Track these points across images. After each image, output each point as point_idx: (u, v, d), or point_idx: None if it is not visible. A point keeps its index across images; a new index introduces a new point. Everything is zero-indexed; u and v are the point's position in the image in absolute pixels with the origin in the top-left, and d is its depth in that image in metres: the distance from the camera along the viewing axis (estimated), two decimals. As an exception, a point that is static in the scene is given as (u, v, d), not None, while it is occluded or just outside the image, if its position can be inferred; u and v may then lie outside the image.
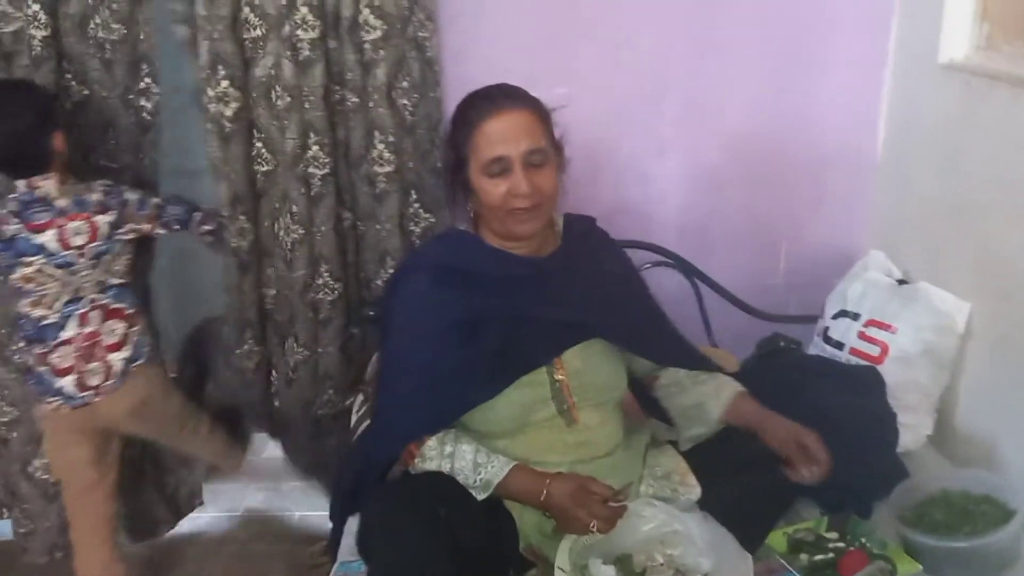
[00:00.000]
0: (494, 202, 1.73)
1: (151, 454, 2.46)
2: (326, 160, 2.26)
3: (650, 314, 1.94)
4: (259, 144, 2.24)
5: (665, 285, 2.49)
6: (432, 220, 2.33)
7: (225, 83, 2.15)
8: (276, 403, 2.43)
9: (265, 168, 2.26)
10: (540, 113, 1.76)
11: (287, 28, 2.15)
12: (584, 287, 1.84)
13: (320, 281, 2.34)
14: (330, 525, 1.90)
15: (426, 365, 1.74)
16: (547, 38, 2.38)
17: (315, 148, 2.24)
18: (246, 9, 2.14)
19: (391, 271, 2.33)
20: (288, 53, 2.16)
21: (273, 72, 2.18)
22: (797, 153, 2.50)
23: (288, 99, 2.20)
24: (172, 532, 2.57)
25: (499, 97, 1.75)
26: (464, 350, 1.73)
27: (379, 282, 2.37)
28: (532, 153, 1.71)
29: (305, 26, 2.15)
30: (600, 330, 1.81)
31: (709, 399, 1.85)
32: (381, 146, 2.25)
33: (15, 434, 2.37)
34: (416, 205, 2.32)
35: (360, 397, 2.27)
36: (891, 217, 2.45)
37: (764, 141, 2.49)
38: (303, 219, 2.28)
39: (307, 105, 2.21)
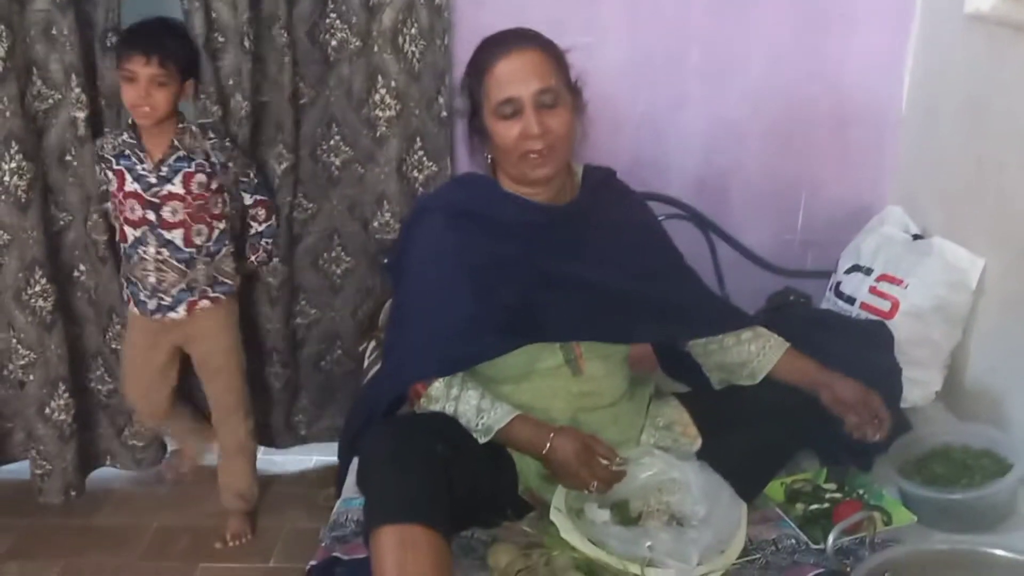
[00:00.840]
0: (507, 145, 1.72)
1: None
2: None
3: (675, 275, 1.92)
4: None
5: (680, 238, 2.43)
6: (435, 169, 2.35)
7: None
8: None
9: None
10: (551, 53, 1.74)
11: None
12: (604, 240, 1.83)
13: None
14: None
15: (439, 309, 1.75)
16: (567, -12, 2.37)
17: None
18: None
19: (387, 214, 2.37)
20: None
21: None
22: (820, 108, 2.48)
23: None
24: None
25: (509, 39, 1.74)
26: (479, 299, 1.73)
27: (376, 224, 2.41)
28: (543, 93, 1.69)
29: None
30: (625, 336, 1.81)
31: (753, 358, 1.86)
32: (383, 91, 2.27)
33: (31, 377, 2.44)
34: (420, 153, 2.34)
35: (372, 343, 2.31)
36: (912, 172, 2.41)
37: (786, 95, 2.47)
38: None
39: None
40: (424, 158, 2.35)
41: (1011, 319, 1.99)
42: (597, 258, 1.81)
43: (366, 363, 2.29)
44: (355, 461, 1.76)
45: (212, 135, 2.25)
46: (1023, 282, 1.94)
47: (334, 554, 1.66)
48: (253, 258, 2.38)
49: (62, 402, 2.44)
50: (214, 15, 2.24)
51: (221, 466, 2.46)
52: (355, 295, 2.54)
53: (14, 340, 2.41)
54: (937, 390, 2.12)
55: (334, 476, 1.95)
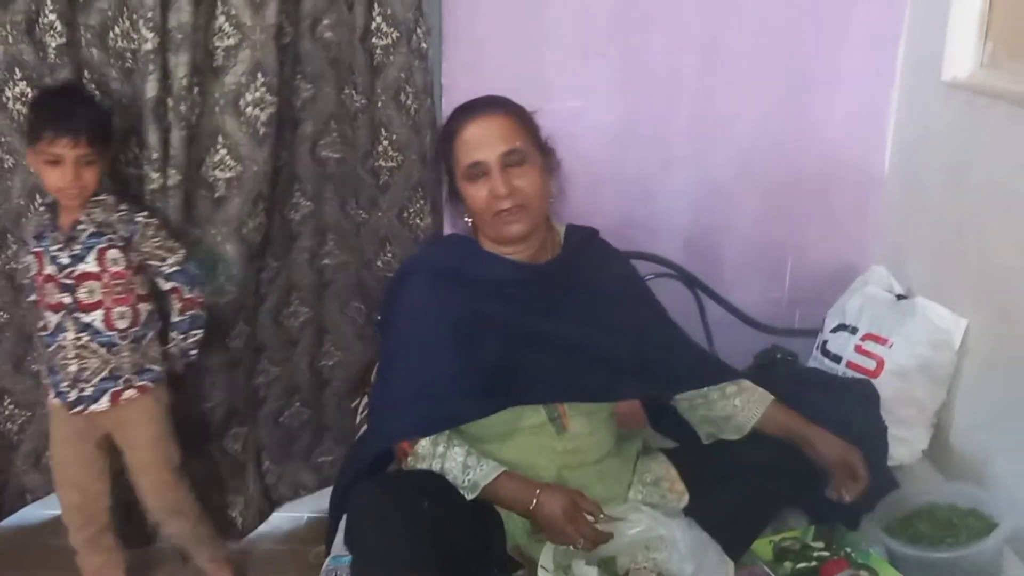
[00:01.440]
0: (479, 206, 1.78)
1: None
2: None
3: (659, 329, 1.95)
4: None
5: (668, 297, 2.47)
6: (435, 218, 2.40)
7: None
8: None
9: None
10: (517, 116, 1.80)
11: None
12: (586, 297, 1.86)
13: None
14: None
15: (421, 369, 1.78)
16: (557, 53, 2.43)
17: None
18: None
19: (389, 255, 2.41)
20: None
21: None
22: (805, 169, 2.53)
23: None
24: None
25: (476, 106, 1.81)
26: (461, 359, 1.76)
27: (379, 264, 2.44)
28: (508, 154, 1.75)
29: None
30: (608, 395, 1.84)
31: (739, 412, 1.88)
32: (386, 143, 2.33)
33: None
34: (421, 202, 2.38)
35: (365, 400, 2.33)
36: (896, 233, 2.46)
37: (772, 157, 2.52)
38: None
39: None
40: (426, 207, 2.40)
41: (993, 378, 2.01)
42: (579, 316, 1.85)
43: (357, 419, 2.31)
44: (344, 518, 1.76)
45: (123, 207, 2.09)
46: (1005, 342, 1.97)
47: (322, 612, 1.66)
48: (166, 348, 2.18)
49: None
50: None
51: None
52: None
53: None
54: (923, 448, 2.13)
55: (324, 533, 1.96)
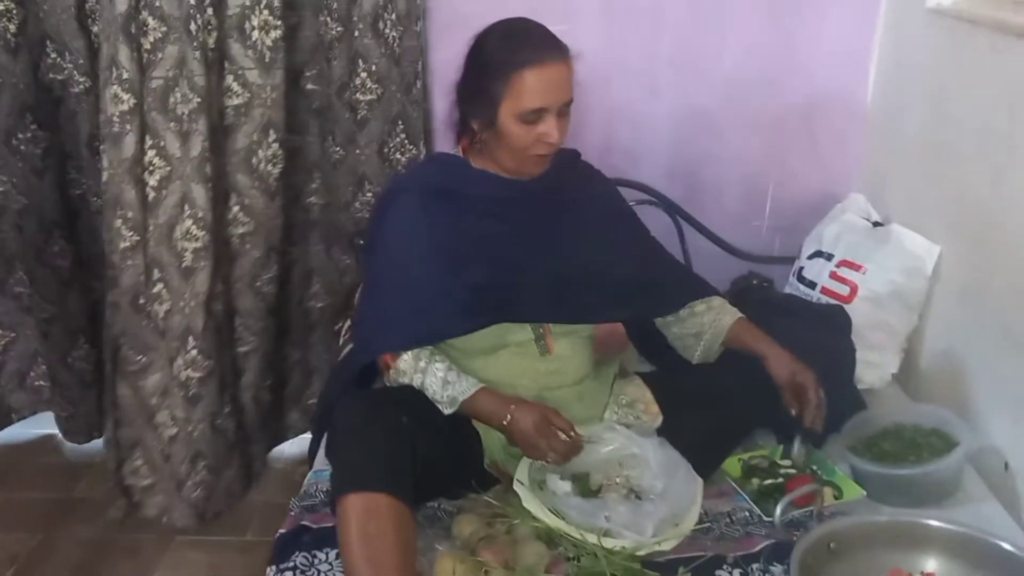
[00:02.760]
0: (521, 144, 1.75)
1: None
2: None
3: (641, 247, 1.98)
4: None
5: (650, 224, 2.48)
6: (415, 152, 2.39)
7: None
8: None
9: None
10: (571, 64, 1.77)
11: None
12: (572, 215, 1.88)
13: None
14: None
15: (409, 285, 1.80)
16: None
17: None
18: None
19: (368, 195, 2.41)
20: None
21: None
22: (789, 97, 2.53)
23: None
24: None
25: (542, 46, 1.73)
26: (449, 277, 1.78)
27: (356, 204, 2.44)
28: (567, 104, 1.76)
29: None
30: (590, 316, 1.86)
31: (707, 329, 1.92)
32: (364, 75, 2.31)
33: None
34: (402, 136, 2.38)
35: (348, 322, 2.36)
36: (877, 161, 2.48)
37: (756, 86, 2.52)
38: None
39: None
40: (406, 141, 2.39)
41: (964, 305, 2.05)
42: (566, 234, 1.87)
43: (340, 341, 2.34)
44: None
45: None
46: (977, 269, 2.00)
47: (302, 523, 1.72)
48: None
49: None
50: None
51: None
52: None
53: None
54: (894, 372, 2.18)
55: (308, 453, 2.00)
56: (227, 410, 2.38)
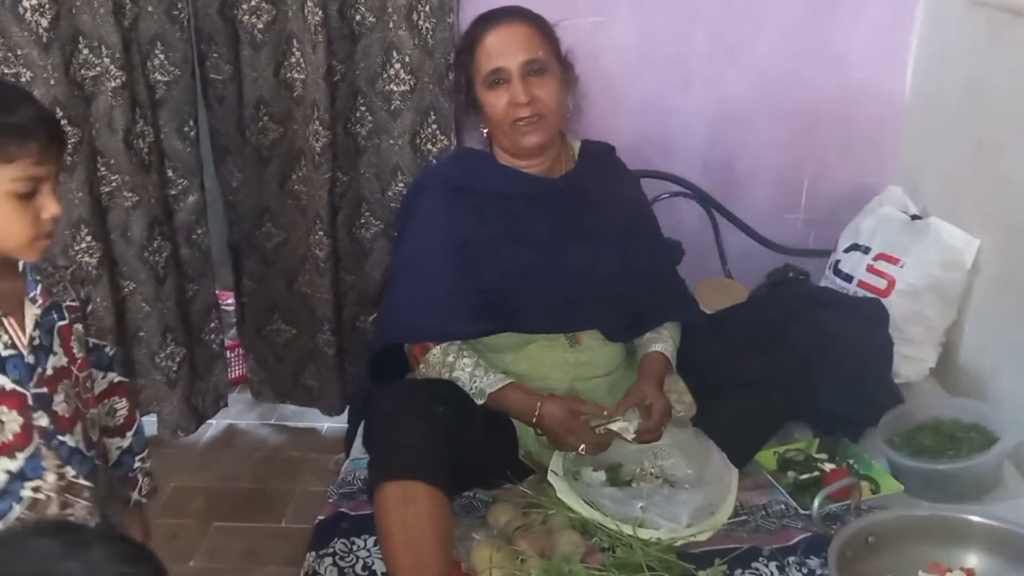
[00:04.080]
0: (498, 115, 1.79)
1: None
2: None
3: (653, 260, 1.97)
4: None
5: (684, 216, 2.54)
6: (447, 142, 2.40)
7: None
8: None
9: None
10: (539, 27, 1.81)
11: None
12: (593, 219, 1.87)
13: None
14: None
15: (423, 281, 1.82)
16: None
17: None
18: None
19: (400, 184, 2.43)
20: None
21: None
22: (825, 89, 2.50)
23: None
24: (207, 436, 2.74)
25: (499, 14, 1.82)
26: (460, 278, 1.80)
27: (389, 193, 2.46)
28: (529, 63, 1.76)
29: None
30: (596, 323, 1.84)
31: (641, 348, 1.90)
32: (398, 65, 2.33)
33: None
34: (434, 127, 2.39)
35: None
36: (915, 154, 2.45)
37: (792, 77, 2.50)
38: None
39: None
40: (438, 132, 2.40)
41: (1004, 298, 2.03)
42: (584, 239, 1.86)
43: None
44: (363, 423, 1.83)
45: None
46: (1017, 262, 1.98)
47: (341, 510, 1.73)
48: (132, 494, 1.57)
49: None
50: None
51: None
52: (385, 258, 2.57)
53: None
54: (931, 366, 2.16)
55: (343, 443, 2.02)
56: None
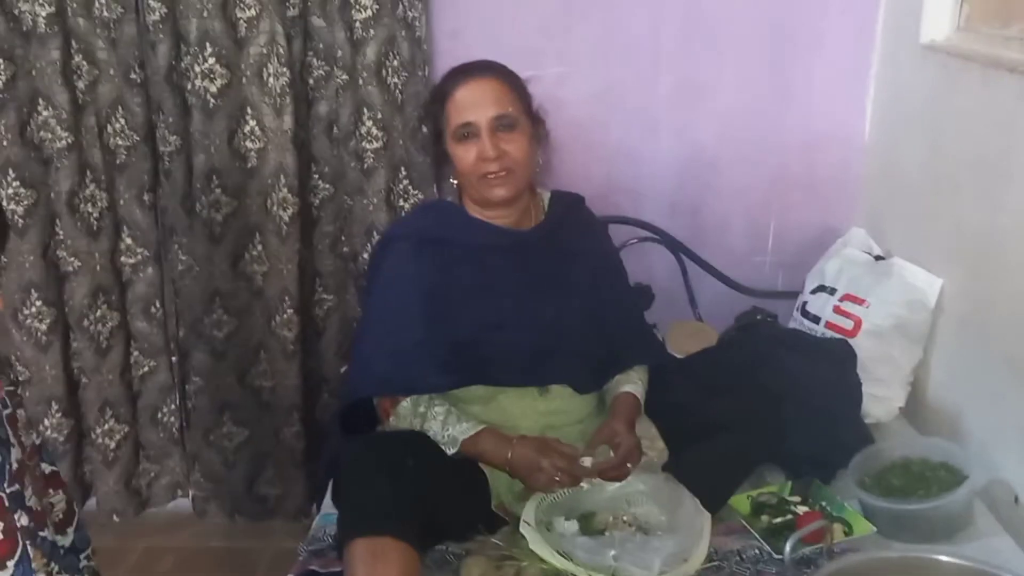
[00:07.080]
0: (466, 168, 1.80)
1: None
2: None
3: (621, 309, 1.98)
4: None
5: (654, 260, 2.56)
6: (420, 196, 2.42)
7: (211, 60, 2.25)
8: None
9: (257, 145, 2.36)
10: (510, 82, 1.83)
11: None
12: (562, 270, 1.89)
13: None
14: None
15: (391, 333, 1.82)
16: (542, 20, 2.45)
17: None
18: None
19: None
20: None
21: (265, 51, 2.28)
22: (788, 133, 2.55)
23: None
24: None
25: (471, 68, 1.84)
26: (429, 331, 1.80)
27: (365, 255, 2.45)
28: (500, 118, 1.78)
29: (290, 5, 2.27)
30: (565, 378, 1.85)
31: (610, 390, 1.92)
32: (369, 123, 2.34)
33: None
34: (405, 182, 2.41)
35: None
36: (877, 196, 2.49)
37: (755, 122, 2.55)
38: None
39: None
40: (410, 187, 2.42)
41: (968, 336, 2.05)
42: (553, 293, 1.87)
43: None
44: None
45: None
46: (978, 301, 2.01)
47: (311, 567, 1.71)
48: None
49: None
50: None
51: None
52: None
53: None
54: (900, 406, 2.18)
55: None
56: None
